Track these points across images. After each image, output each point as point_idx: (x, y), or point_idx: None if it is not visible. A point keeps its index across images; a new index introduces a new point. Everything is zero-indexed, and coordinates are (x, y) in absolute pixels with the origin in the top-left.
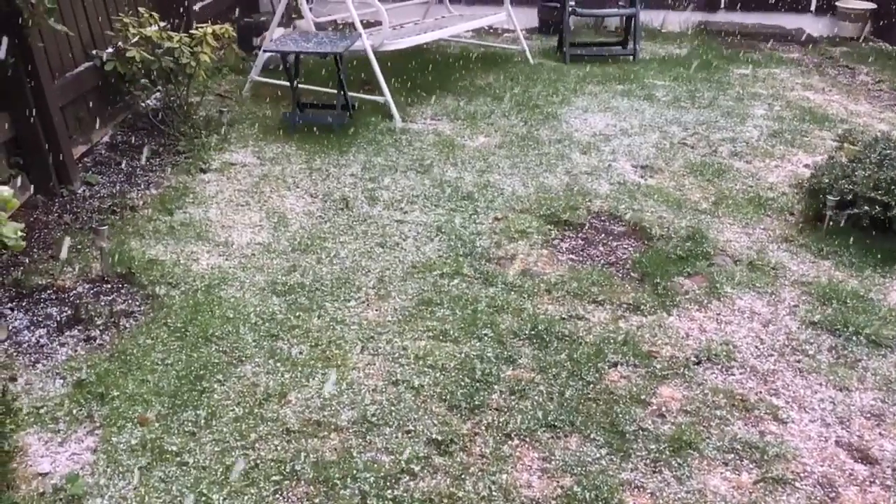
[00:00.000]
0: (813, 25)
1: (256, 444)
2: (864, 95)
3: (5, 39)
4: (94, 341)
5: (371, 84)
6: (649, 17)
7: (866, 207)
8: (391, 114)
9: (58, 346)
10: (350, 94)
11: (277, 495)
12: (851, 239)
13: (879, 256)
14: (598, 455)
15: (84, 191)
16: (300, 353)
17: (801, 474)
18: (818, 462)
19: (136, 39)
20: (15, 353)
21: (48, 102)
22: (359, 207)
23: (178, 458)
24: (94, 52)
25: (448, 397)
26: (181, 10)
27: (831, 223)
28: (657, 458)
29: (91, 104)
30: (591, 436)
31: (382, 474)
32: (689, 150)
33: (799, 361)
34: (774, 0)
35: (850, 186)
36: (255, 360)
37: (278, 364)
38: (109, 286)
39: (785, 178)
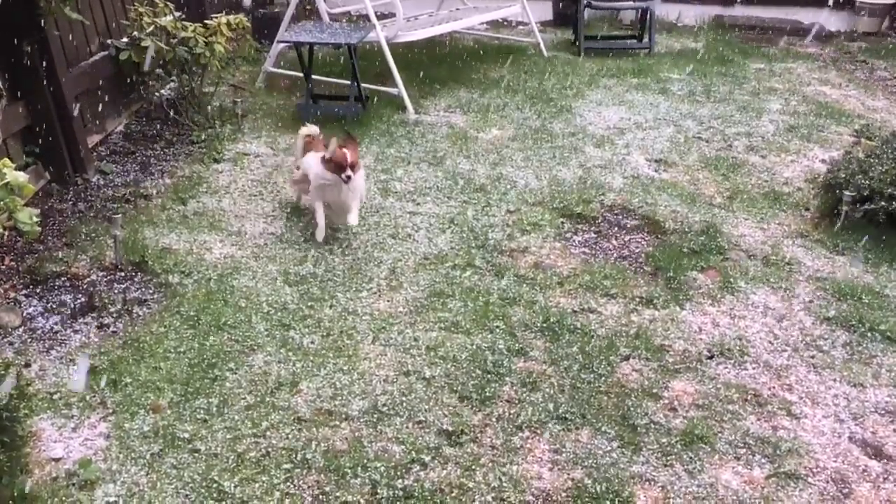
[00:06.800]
0: (830, 20)
1: (268, 433)
2: (882, 91)
3: None
4: (107, 329)
5: (385, 76)
6: (665, 11)
7: (883, 203)
8: (404, 105)
9: (71, 333)
10: (364, 85)
11: (288, 483)
12: (867, 235)
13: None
14: (609, 448)
15: (98, 179)
16: (312, 342)
17: (814, 470)
18: (831, 458)
19: (150, 29)
20: (29, 340)
21: (63, 91)
22: (371, 198)
23: (190, 445)
24: (109, 41)
25: (459, 388)
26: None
27: (847, 219)
28: (668, 452)
29: (106, 93)
30: (603, 428)
31: (393, 464)
32: (704, 144)
33: (813, 357)
34: None
35: (867, 182)
36: (267, 350)
37: (290, 353)
38: (123, 274)
39: (800, 173)
